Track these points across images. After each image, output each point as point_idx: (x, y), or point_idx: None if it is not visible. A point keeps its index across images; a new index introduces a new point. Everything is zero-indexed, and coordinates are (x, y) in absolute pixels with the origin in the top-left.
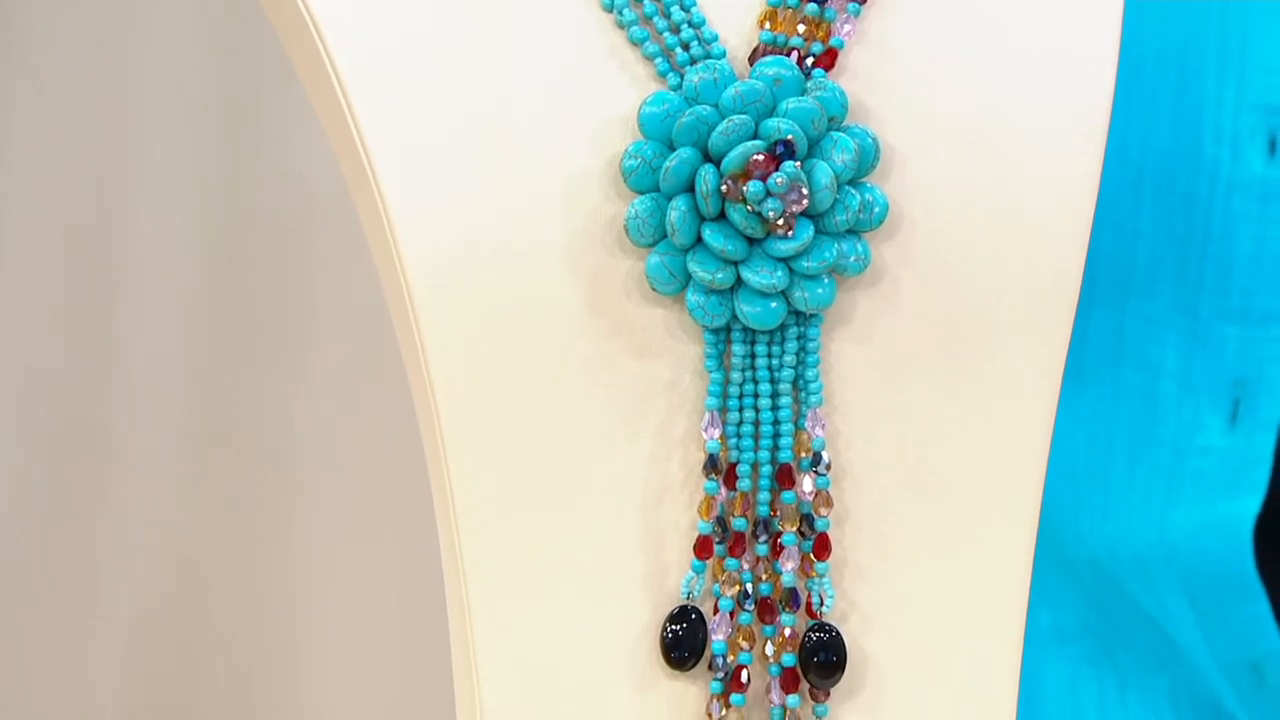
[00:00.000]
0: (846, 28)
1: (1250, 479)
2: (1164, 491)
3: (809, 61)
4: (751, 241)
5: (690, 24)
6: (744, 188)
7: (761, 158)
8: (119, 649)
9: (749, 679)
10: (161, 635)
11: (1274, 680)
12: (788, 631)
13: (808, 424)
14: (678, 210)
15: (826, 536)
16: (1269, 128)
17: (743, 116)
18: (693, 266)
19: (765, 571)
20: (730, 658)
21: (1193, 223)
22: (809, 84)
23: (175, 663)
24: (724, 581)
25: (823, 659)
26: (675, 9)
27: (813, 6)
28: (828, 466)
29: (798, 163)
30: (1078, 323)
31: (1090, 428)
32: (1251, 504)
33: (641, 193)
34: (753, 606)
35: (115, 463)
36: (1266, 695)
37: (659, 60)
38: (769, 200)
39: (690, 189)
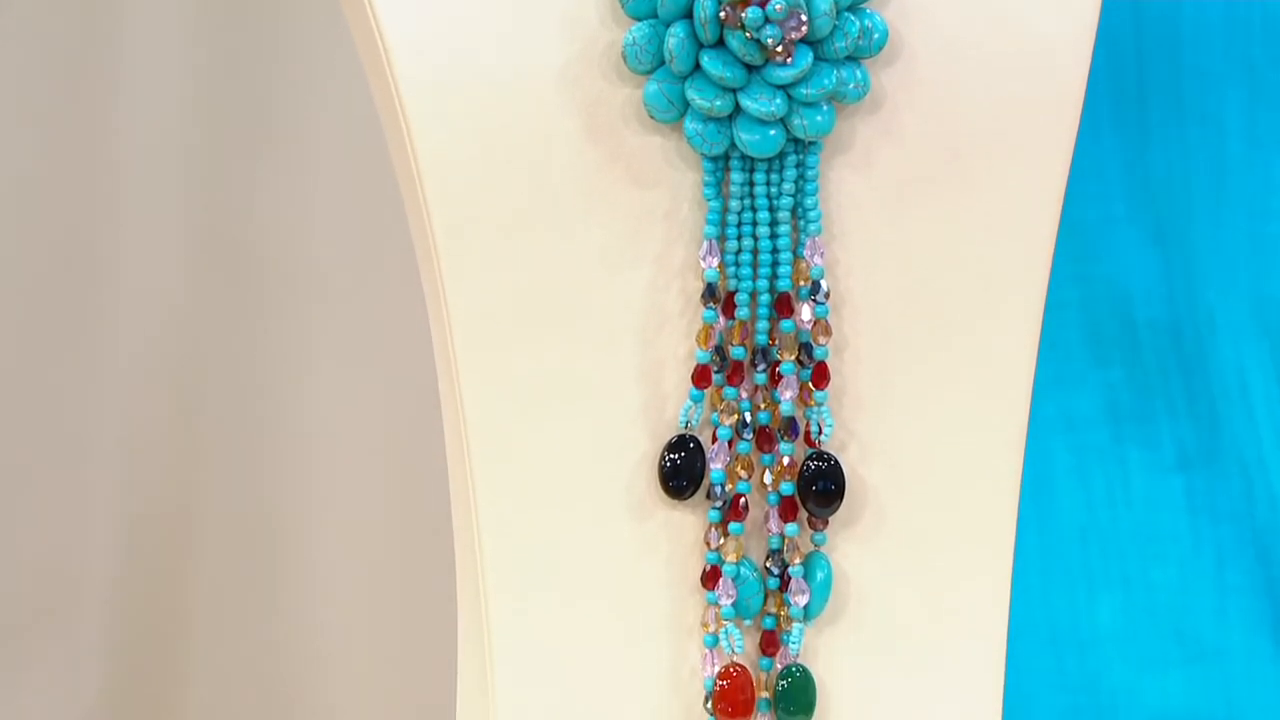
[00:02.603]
0: None
1: None
2: (1250, 260)
3: None
4: (750, 68)
5: None
6: (743, 14)
7: None
8: (115, 467)
9: (747, 507)
10: (158, 451)
11: None
12: (786, 460)
13: (806, 252)
14: (676, 37)
15: (825, 365)
16: None
17: None
18: (691, 94)
19: (763, 400)
20: (728, 486)
21: None
22: None
23: (171, 479)
24: (722, 410)
25: (821, 487)
26: None
27: None
28: (826, 295)
29: None
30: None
31: (1168, 189)
32: None
33: (639, 19)
34: (751, 435)
35: (109, 277)
36: None
37: None
38: (768, 26)
39: (688, 15)
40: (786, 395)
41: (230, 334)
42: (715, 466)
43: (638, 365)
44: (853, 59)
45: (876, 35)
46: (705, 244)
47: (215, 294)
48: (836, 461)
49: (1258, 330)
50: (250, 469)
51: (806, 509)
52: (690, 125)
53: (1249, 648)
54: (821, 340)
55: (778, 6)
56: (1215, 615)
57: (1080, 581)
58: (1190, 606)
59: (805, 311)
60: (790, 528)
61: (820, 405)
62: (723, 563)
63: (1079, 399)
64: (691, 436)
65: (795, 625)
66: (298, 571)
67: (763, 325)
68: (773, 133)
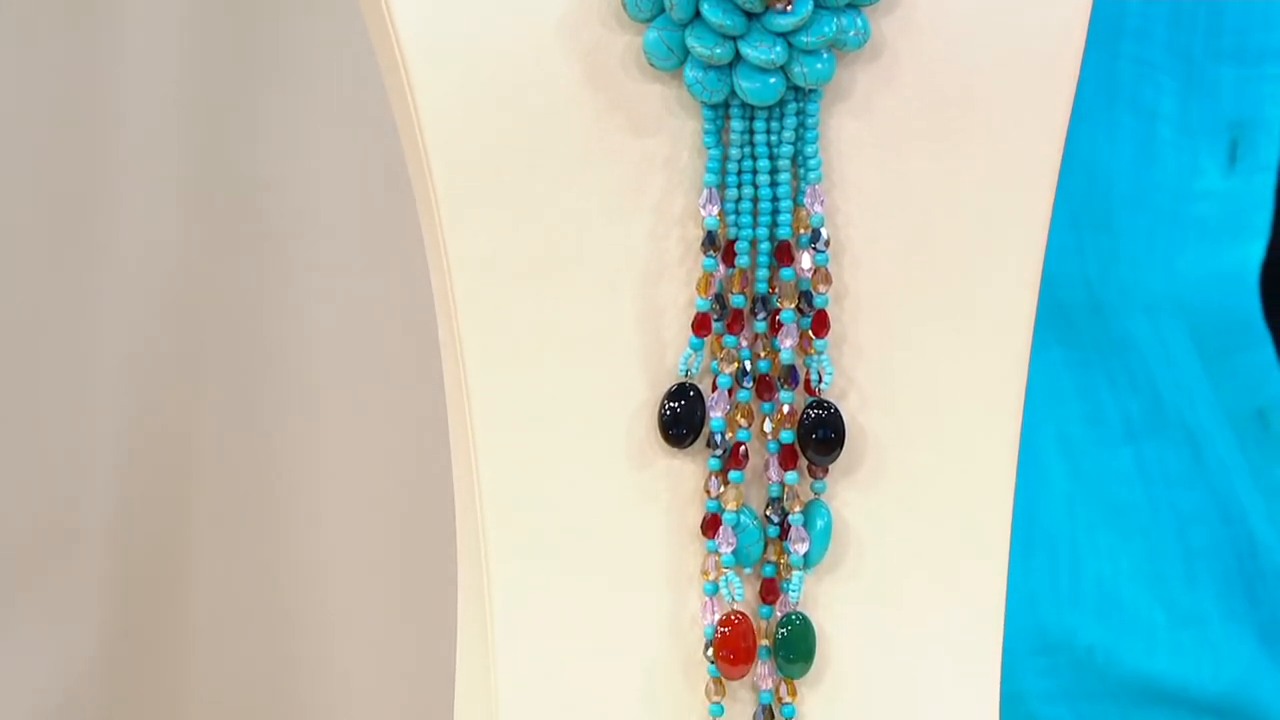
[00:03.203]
0: None
1: (1252, 223)
2: (1168, 239)
3: None
4: (750, 16)
5: None
6: None
7: None
8: (114, 395)
9: (747, 455)
10: (157, 378)
11: (1278, 426)
12: (786, 408)
13: (806, 200)
14: None
15: (825, 313)
16: None
17: None
18: (691, 41)
19: (763, 348)
20: (728, 435)
21: None
22: None
23: (172, 413)
24: (722, 359)
25: (821, 435)
26: None
27: None
28: (826, 243)
29: None
30: None
31: (1089, 172)
32: (1255, 249)
33: None
34: (751, 383)
35: (108, 212)
36: (1271, 441)
37: None
38: None
39: None
40: (786, 343)
41: (231, 270)
42: (715, 415)
43: (637, 313)
44: (853, 6)
45: None
46: (705, 192)
47: (214, 231)
48: (836, 410)
49: (1174, 308)
50: (251, 406)
51: (806, 457)
52: (690, 73)
53: (1225, 610)
54: (821, 288)
55: None
56: (1186, 581)
57: (1063, 548)
58: (1162, 573)
59: (805, 259)
60: (790, 476)
61: (820, 353)
62: (722, 511)
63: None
64: (691, 385)
65: (795, 573)
66: (299, 510)
67: (763, 273)
68: (773, 80)
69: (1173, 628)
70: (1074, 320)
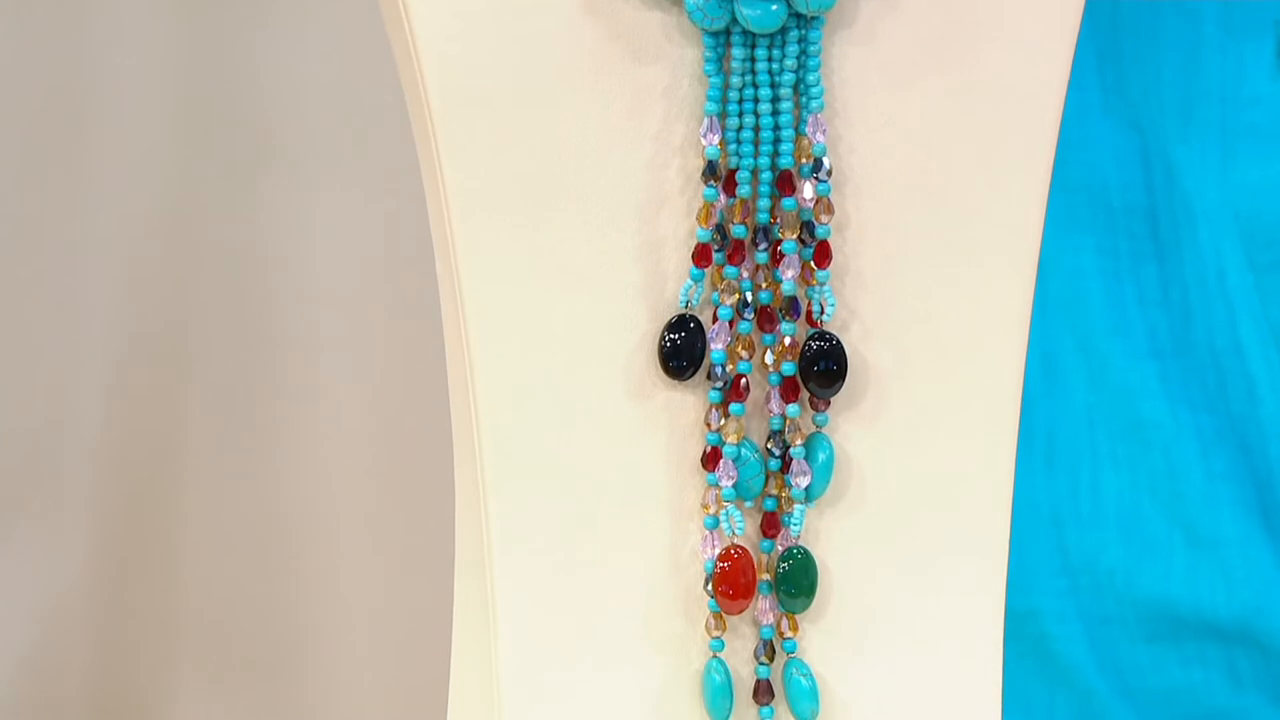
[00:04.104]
0: None
1: None
2: (1219, 147)
3: None
4: None
5: None
6: None
7: None
8: (107, 308)
9: (748, 388)
10: (151, 292)
11: None
12: (787, 340)
13: (808, 129)
14: None
15: (827, 244)
16: None
17: None
18: None
19: (765, 279)
20: (729, 367)
21: None
22: None
23: (165, 317)
24: (723, 290)
25: (823, 367)
26: None
27: None
28: (829, 172)
29: None
30: None
31: (1143, 74)
32: None
33: None
34: (752, 315)
35: (98, 122)
36: None
37: None
38: None
39: None
40: (788, 274)
41: (226, 194)
42: (716, 347)
43: (637, 244)
44: None
45: None
46: (706, 121)
47: (210, 149)
48: (838, 341)
49: (1229, 218)
50: (246, 322)
51: (808, 389)
52: (691, 0)
53: (1242, 534)
54: (823, 218)
55: None
56: (1206, 501)
57: (1084, 463)
58: (1182, 492)
59: (807, 189)
60: (792, 408)
61: (822, 284)
62: (723, 444)
63: (1051, 283)
64: (691, 316)
65: (797, 507)
66: (295, 425)
67: (764, 203)
68: (774, 7)
69: (1190, 549)
70: (1123, 227)
